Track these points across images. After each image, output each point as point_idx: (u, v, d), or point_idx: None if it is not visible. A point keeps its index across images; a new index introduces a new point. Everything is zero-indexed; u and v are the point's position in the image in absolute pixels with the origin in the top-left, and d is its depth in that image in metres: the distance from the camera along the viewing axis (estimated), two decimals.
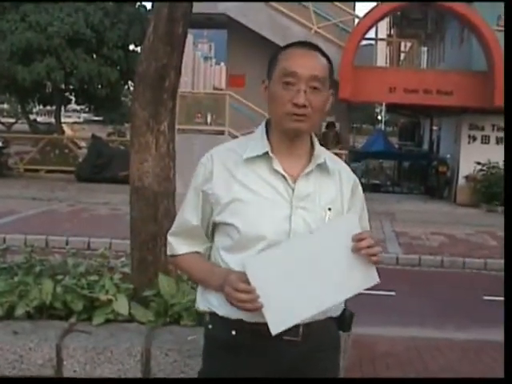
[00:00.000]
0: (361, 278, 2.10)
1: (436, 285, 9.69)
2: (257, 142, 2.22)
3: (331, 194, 2.23)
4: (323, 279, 2.07)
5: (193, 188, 2.27)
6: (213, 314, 2.22)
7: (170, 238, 2.34)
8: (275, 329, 2.04)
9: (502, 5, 16.02)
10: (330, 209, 2.18)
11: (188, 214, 2.28)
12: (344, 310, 2.31)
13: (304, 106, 2.10)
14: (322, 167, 2.23)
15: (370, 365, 5.55)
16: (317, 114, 2.16)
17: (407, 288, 9.33)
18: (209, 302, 2.23)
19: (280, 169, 2.17)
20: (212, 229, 2.27)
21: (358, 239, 2.07)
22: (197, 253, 2.30)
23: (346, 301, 2.25)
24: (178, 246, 2.31)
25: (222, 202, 2.17)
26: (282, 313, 2.05)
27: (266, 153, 2.17)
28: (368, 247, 2.07)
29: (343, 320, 2.31)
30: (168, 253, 2.37)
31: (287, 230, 2.12)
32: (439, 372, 5.46)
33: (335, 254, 2.08)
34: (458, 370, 5.55)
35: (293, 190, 2.16)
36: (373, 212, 16.82)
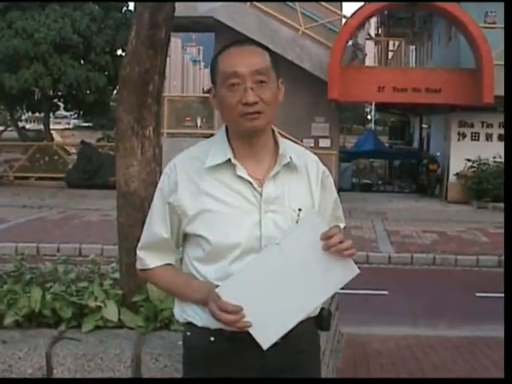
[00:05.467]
0: (340, 273, 2.06)
1: (428, 283, 9.71)
2: (218, 147, 2.15)
3: (301, 193, 2.17)
4: (302, 285, 2.03)
5: (158, 199, 2.21)
6: (190, 324, 2.18)
7: (139, 253, 2.25)
8: (265, 344, 2.02)
9: (488, 2, 16.15)
10: (300, 209, 2.11)
11: (156, 226, 2.20)
12: (322, 308, 2.25)
13: (255, 103, 2.05)
14: (289, 166, 2.16)
15: (363, 364, 5.54)
16: (270, 108, 2.10)
17: (400, 287, 9.35)
18: (186, 313, 2.18)
19: (244, 174, 2.10)
20: (182, 239, 2.21)
21: (326, 237, 2.02)
22: (169, 265, 2.23)
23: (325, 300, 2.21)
24: (149, 259, 2.22)
25: (189, 214, 2.11)
26: (269, 327, 2.01)
27: (229, 160, 2.11)
28: (339, 243, 2.02)
29: (322, 319, 2.25)
30: (138, 267, 2.27)
31: (258, 235, 2.07)
32: (433, 370, 5.46)
33: (308, 257, 2.03)
34: (451, 367, 5.55)
35: (260, 194, 2.10)
36: (364, 211, 16.82)
